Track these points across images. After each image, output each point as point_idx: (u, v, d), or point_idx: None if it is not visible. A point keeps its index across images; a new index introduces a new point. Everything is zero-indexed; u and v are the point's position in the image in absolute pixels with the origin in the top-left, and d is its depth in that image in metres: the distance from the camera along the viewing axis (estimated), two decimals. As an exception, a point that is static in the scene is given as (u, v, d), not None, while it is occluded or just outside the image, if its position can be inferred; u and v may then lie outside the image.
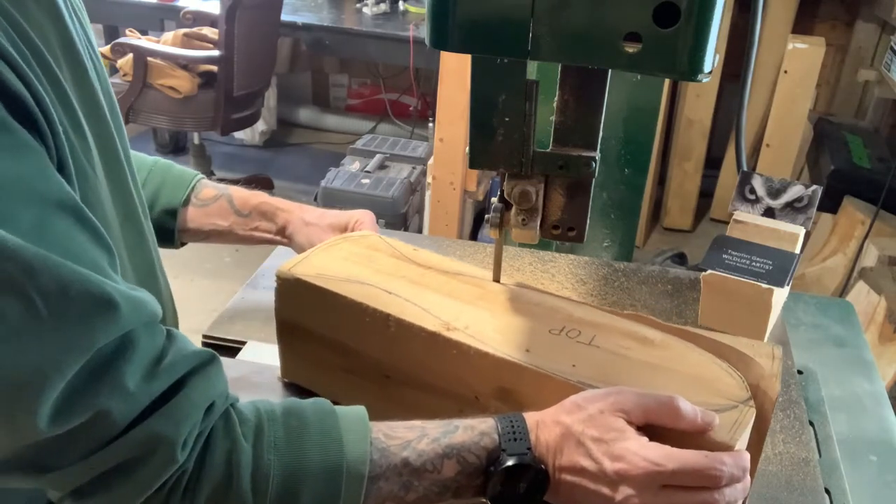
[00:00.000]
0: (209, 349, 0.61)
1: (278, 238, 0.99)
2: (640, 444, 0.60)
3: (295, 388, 0.87)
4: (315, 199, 2.89)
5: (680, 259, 3.00)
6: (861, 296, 2.20)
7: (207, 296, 2.55)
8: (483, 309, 0.77)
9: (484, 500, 0.63)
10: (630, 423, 0.61)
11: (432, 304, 0.77)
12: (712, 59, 0.58)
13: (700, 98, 3.18)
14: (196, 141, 3.23)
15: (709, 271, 0.96)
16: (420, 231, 2.84)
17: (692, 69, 0.58)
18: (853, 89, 3.38)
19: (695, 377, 0.69)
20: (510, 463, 0.60)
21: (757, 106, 3.12)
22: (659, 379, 0.69)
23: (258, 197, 1.00)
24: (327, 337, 0.81)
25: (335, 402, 0.66)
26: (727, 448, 0.61)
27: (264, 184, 3.42)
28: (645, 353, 0.73)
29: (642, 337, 0.75)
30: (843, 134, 3.00)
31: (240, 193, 1.00)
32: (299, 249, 0.97)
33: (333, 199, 2.84)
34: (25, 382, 0.48)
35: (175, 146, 3.79)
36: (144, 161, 0.97)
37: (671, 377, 0.69)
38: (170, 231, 0.97)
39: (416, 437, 0.62)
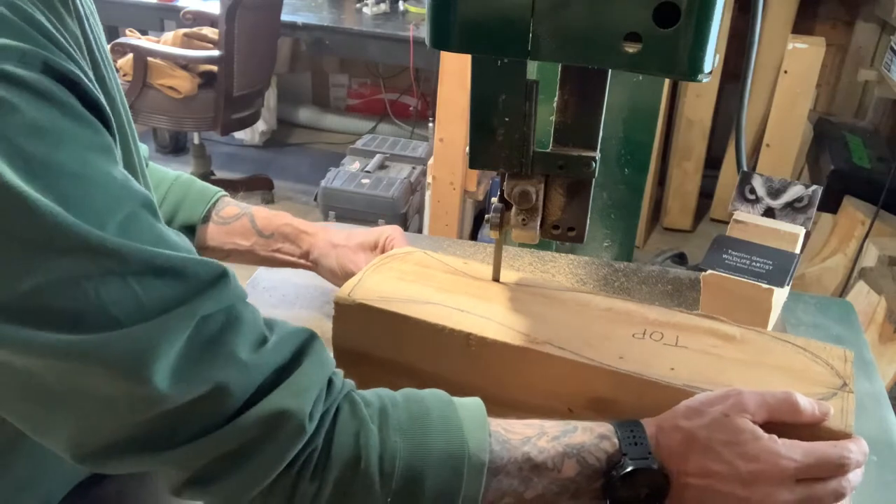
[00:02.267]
0: (308, 328, 0.60)
1: (302, 261, 0.97)
2: (773, 442, 0.60)
3: None
4: (315, 199, 2.89)
5: (680, 259, 3.00)
6: (861, 296, 2.20)
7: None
8: (558, 318, 0.75)
9: None
10: (754, 422, 0.61)
11: (507, 319, 0.74)
12: (712, 59, 0.58)
13: (700, 98, 3.18)
14: (196, 141, 3.23)
15: (709, 271, 0.96)
16: (420, 231, 2.84)
17: (692, 69, 0.58)
18: (853, 89, 3.38)
19: (787, 369, 0.69)
20: (632, 467, 0.59)
21: (757, 106, 3.12)
22: (755, 374, 0.68)
23: (281, 218, 0.97)
24: (396, 361, 0.77)
25: None
26: (845, 435, 0.62)
27: (264, 184, 3.42)
28: (733, 349, 0.72)
29: (723, 334, 0.74)
30: (843, 134, 3.00)
31: (262, 213, 0.97)
32: (328, 274, 0.95)
33: (333, 199, 2.84)
34: (139, 355, 0.48)
35: (175, 146, 3.79)
36: (166, 175, 0.96)
37: (766, 372, 0.69)
38: None
39: (535, 434, 0.61)
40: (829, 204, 2.65)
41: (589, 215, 0.75)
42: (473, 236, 2.81)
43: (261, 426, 0.52)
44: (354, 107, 4.23)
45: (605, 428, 0.63)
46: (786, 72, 2.97)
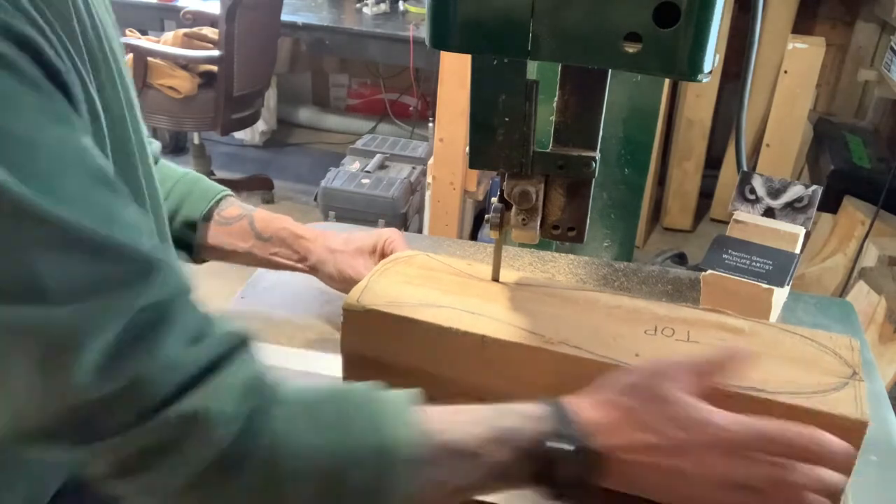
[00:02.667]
0: (245, 327, 0.59)
1: (300, 266, 0.97)
2: (705, 412, 0.59)
3: None
4: (315, 199, 2.89)
5: (680, 259, 3.00)
6: (861, 296, 2.20)
7: (207, 296, 2.55)
8: (570, 318, 0.75)
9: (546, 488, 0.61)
10: (687, 390, 0.60)
11: (519, 319, 0.74)
12: (712, 59, 0.58)
13: (700, 98, 3.18)
14: (196, 141, 3.23)
15: (709, 271, 0.96)
16: (420, 231, 2.84)
17: (692, 69, 0.58)
18: (853, 89, 3.38)
19: (798, 360, 0.70)
20: (562, 447, 0.59)
21: (757, 106, 3.12)
22: (768, 366, 0.69)
23: (280, 221, 0.97)
24: (408, 366, 0.76)
25: None
26: (861, 424, 0.62)
27: (264, 184, 3.42)
28: (743, 343, 0.73)
29: (732, 327, 0.75)
30: (843, 134, 3.00)
31: (262, 216, 0.97)
32: (327, 279, 0.95)
33: (333, 199, 2.84)
34: (64, 340, 0.48)
35: (175, 146, 3.79)
36: (174, 172, 0.96)
37: (778, 363, 0.69)
38: (189, 245, 0.96)
39: (465, 420, 0.61)
40: (829, 204, 2.65)
41: (589, 215, 0.75)
42: (473, 236, 2.81)
43: (179, 425, 0.52)
44: (354, 107, 4.23)
45: (535, 409, 0.62)
46: (786, 72, 2.97)
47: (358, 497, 0.56)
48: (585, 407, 0.62)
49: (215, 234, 0.95)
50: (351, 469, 0.56)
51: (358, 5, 3.37)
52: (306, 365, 0.90)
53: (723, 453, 0.58)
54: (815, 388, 0.67)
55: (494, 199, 0.76)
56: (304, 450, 0.55)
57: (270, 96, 3.81)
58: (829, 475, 0.59)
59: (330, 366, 0.85)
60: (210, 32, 2.94)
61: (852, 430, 0.64)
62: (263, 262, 0.98)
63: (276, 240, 0.96)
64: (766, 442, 0.58)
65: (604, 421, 0.60)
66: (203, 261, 0.98)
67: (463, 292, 0.79)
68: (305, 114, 4.18)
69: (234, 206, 0.97)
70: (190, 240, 0.95)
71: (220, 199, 0.96)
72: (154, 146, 0.89)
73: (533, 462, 0.59)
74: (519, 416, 0.61)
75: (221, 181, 1.05)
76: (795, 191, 1.00)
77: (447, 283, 0.81)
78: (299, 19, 3.11)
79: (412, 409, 0.60)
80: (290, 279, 1.06)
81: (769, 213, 1.01)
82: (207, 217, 0.95)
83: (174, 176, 0.96)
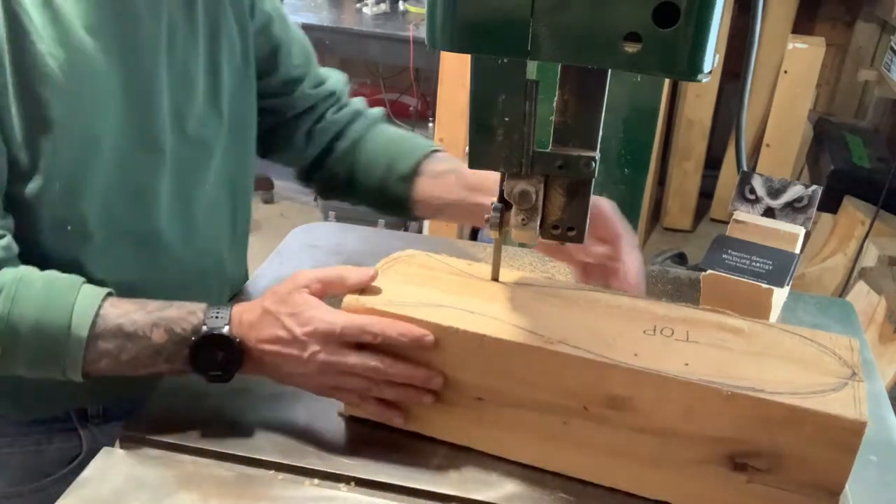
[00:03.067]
0: (4, 230, 0.76)
1: None
2: (323, 310, 0.73)
3: (362, 422, 0.81)
4: (315, 199, 2.89)
5: (680, 259, 3.00)
6: (861, 296, 2.20)
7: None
8: (569, 317, 0.76)
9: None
10: (313, 294, 0.74)
11: (519, 319, 0.74)
12: (712, 59, 0.58)
13: (700, 98, 3.18)
14: (196, 141, 3.22)
15: (709, 271, 0.96)
16: (420, 231, 2.84)
17: (692, 69, 0.58)
18: (853, 89, 3.38)
19: (798, 360, 0.71)
20: (206, 333, 0.73)
21: (757, 106, 3.12)
22: (767, 366, 0.70)
23: (491, 175, 0.92)
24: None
25: (420, 436, 0.78)
26: (860, 424, 0.63)
27: (264, 184, 3.42)
28: (742, 342, 0.73)
29: (731, 327, 0.75)
30: (843, 134, 3.00)
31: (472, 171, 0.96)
32: None
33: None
34: None
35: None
36: (390, 132, 1.04)
37: (778, 364, 0.70)
38: (400, 199, 0.99)
39: (135, 309, 0.75)
40: (829, 204, 2.65)
41: (589, 215, 0.75)
42: (473, 236, 2.81)
43: None
44: (354, 107, 4.22)
45: (197, 306, 0.76)
46: (786, 72, 2.97)
47: (30, 360, 0.74)
48: (240, 310, 0.76)
49: (424, 188, 0.98)
50: (26, 335, 0.72)
51: (358, 5, 3.37)
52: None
53: (335, 344, 0.72)
54: (813, 388, 0.67)
55: (494, 199, 0.76)
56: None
57: (270, 96, 3.80)
58: (395, 367, 0.73)
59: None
60: (210, 32, 2.94)
61: (850, 431, 0.64)
62: (474, 216, 0.98)
63: (486, 191, 0.95)
64: (359, 331, 0.72)
65: (247, 318, 0.75)
66: (417, 218, 1.03)
67: (464, 292, 0.79)
68: (305, 114, 4.17)
69: (442, 161, 0.99)
70: (403, 194, 0.99)
71: (429, 154, 0.99)
72: (376, 111, 1.05)
73: (185, 346, 0.74)
74: (181, 310, 0.75)
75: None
76: (795, 191, 1.00)
77: (447, 283, 0.81)
78: (299, 19, 3.10)
79: (98, 298, 0.75)
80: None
81: (769, 213, 1.01)
82: (417, 172, 0.99)
83: (389, 135, 1.01)
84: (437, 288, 0.80)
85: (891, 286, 2.13)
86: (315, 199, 2.89)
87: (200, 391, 0.79)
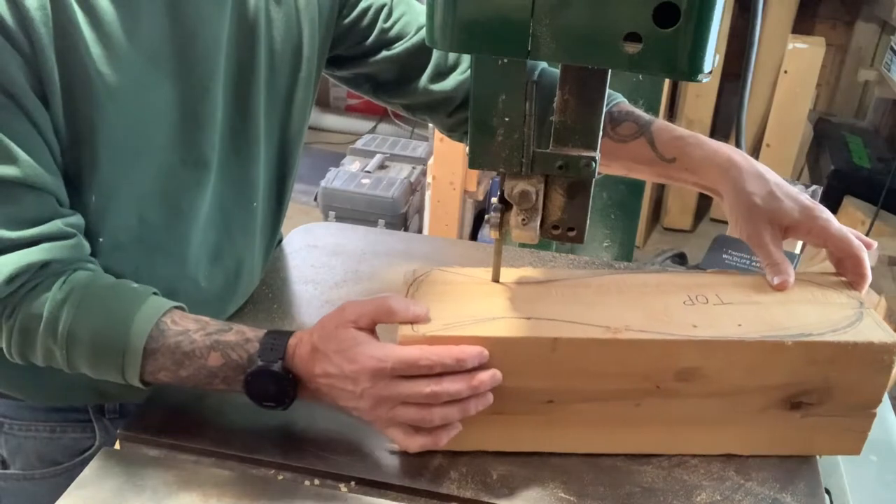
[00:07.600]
0: (75, 229, 0.75)
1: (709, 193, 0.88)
2: (372, 346, 0.72)
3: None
4: (315, 199, 2.89)
5: (680, 259, 2.99)
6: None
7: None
8: (615, 304, 0.77)
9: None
10: (361, 329, 0.73)
11: (574, 315, 0.75)
12: (712, 59, 0.58)
13: (700, 98, 3.18)
14: (196, 141, 3.22)
15: (709, 271, 0.96)
16: (420, 231, 2.85)
17: (692, 69, 0.58)
18: (853, 89, 3.38)
19: (816, 302, 0.78)
20: (259, 368, 0.74)
21: (757, 106, 3.12)
22: (799, 312, 0.76)
23: (687, 139, 0.87)
24: None
25: (485, 452, 0.77)
26: (894, 345, 0.71)
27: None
28: (768, 297, 0.78)
29: (750, 284, 0.80)
30: (843, 134, 3.00)
31: (664, 134, 0.88)
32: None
33: (333, 199, 2.84)
34: None
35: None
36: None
37: (803, 308, 0.77)
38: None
39: (196, 329, 0.76)
40: (829, 204, 2.64)
41: (589, 215, 0.75)
42: (473, 236, 2.81)
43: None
44: (354, 107, 4.23)
45: (254, 333, 0.76)
46: (786, 72, 2.97)
47: (95, 362, 0.75)
48: (295, 342, 0.75)
49: (609, 150, 0.90)
50: (93, 341, 0.74)
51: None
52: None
53: (386, 379, 0.71)
54: (844, 322, 0.74)
55: (494, 199, 0.76)
56: (59, 319, 0.74)
57: (270, 96, 3.81)
58: (456, 382, 0.71)
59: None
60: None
61: (886, 351, 0.72)
62: (669, 180, 0.92)
63: (683, 161, 0.88)
64: (410, 366, 0.70)
65: (300, 353, 0.74)
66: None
67: (503, 300, 0.78)
68: (305, 114, 4.17)
69: (629, 123, 0.90)
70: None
71: (614, 108, 0.92)
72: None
73: (240, 373, 0.75)
74: (239, 336, 0.76)
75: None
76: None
77: (481, 294, 0.79)
78: (299, 19, 3.10)
79: (160, 311, 0.76)
80: (296, 291, 1.06)
81: (769, 213, 1.01)
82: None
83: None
84: (476, 301, 0.78)
85: (891, 286, 2.13)
86: (315, 199, 2.89)
87: (200, 391, 0.79)
